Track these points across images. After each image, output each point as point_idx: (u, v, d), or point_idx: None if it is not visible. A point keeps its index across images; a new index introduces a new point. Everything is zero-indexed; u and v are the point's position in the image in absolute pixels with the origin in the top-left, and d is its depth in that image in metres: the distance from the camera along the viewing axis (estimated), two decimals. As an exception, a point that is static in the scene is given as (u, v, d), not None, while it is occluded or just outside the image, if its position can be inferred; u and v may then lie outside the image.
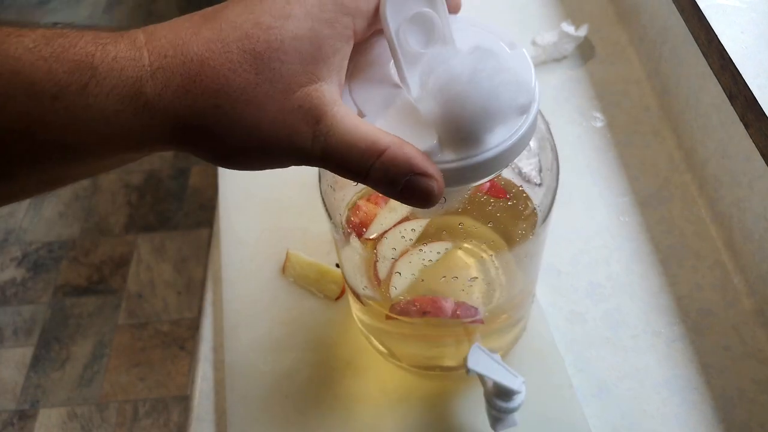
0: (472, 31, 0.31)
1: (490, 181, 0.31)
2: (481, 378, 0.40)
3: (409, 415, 0.46)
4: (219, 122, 0.24)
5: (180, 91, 0.24)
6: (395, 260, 0.39)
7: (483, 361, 0.38)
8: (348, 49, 0.27)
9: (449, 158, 0.27)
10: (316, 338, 0.50)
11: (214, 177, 0.62)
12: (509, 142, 0.28)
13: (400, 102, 0.29)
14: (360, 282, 0.41)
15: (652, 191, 0.59)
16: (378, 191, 0.27)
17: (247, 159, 0.26)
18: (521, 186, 0.36)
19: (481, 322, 0.42)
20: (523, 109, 0.28)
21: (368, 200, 0.38)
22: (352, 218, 0.38)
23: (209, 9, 0.26)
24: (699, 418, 0.46)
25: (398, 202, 0.27)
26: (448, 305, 0.40)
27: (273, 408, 0.47)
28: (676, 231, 0.56)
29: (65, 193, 1.69)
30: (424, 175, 0.26)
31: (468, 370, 0.40)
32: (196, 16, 0.25)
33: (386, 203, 0.39)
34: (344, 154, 0.25)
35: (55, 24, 0.25)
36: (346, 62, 0.27)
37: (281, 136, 0.25)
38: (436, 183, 0.26)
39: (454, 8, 0.31)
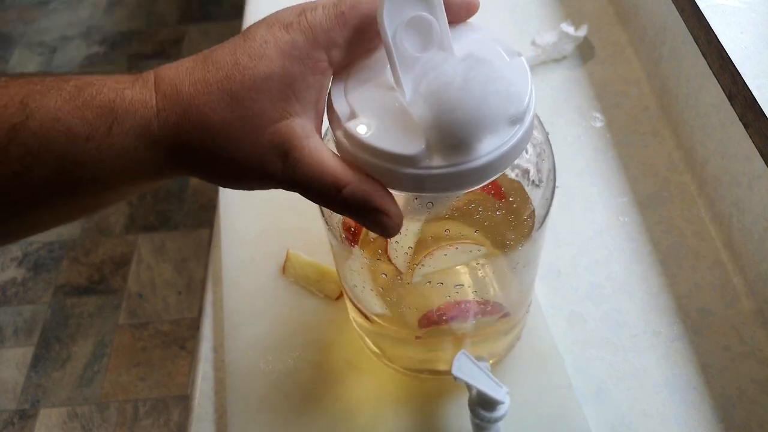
0: (473, 38, 0.31)
1: (492, 183, 0.31)
2: (468, 386, 0.39)
3: (408, 416, 0.46)
4: (204, 154, 0.29)
5: (175, 128, 0.28)
6: (414, 263, 0.39)
7: (468, 369, 0.38)
8: (324, 81, 0.29)
9: (438, 164, 0.27)
10: (316, 338, 0.50)
11: (215, 177, 0.62)
12: (499, 152, 0.28)
13: (393, 105, 0.29)
14: (372, 299, 0.41)
15: (652, 191, 0.59)
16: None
17: (232, 182, 0.30)
18: (522, 185, 0.36)
19: (508, 314, 0.42)
20: (515, 120, 0.28)
21: None
22: (348, 225, 0.38)
23: (209, 50, 0.30)
24: (698, 418, 0.46)
25: None
26: (471, 306, 0.40)
27: (273, 408, 0.47)
28: (676, 231, 0.56)
29: (66, 193, 1.69)
30: (380, 211, 0.28)
31: (454, 377, 0.40)
32: (199, 56, 0.29)
33: None
34: (310, 186, 0.29)
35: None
36: (324, 93, 0.30)
37: (255, 167, 0.29)
38: (390, 219, 0.29)
39: (468, 11, 0.31)
